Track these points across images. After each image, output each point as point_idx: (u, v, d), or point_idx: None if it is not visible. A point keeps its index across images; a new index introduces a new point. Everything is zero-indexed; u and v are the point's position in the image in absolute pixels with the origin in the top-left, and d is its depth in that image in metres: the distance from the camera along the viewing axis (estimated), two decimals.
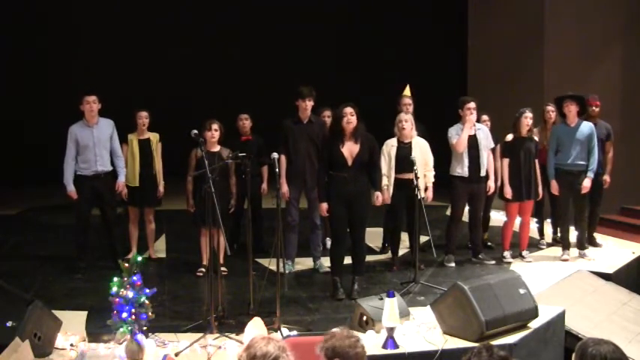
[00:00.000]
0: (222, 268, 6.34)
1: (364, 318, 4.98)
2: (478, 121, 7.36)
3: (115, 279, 4.54)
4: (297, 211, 6.93)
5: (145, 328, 4.52)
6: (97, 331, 4.94)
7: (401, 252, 7.28)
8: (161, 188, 7.28)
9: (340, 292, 6.06)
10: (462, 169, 7.12)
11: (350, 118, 5.93)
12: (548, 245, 8.09)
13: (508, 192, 7.26)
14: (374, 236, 7.91)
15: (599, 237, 8.16)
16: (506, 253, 7.43)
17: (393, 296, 4.69)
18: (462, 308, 4.79)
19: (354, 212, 6.02)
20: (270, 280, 5.57)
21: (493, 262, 7.32)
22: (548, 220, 8.33)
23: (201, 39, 13.00)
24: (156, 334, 4.85)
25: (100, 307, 5.23)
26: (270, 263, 5.88)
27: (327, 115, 7.25)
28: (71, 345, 4.66)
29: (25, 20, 12.42)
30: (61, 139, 6.84)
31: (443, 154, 7.30)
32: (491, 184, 7.28)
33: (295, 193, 6.89)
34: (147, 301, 4.52)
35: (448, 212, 7.90)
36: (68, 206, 7.13)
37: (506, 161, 7.29)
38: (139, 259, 4.63)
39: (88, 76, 11.32)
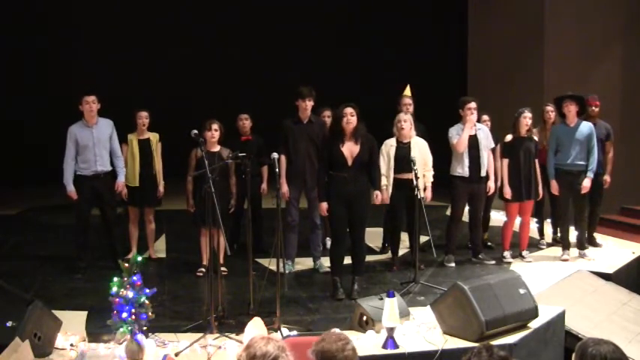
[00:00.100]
0: (222, 268, 6.34)
1: (364, 318, 4.98)
2: (478, 121, 7.36)
3: (115, 279, 4.54)
4: (297, 211, 6.93)
5: (145, 328, 4.52)
6: (97, 331, 4.94)
7: (401, 252, 7.28)
8: (161, 188, 7.28)
9: (340, 292, 6.06)
10: (462, 169, 7.12)
11: (350, 118, 5.93)
12: (548, 245, 8.09)
13: (507, 192, 7.26)
14: (374, 236, 7.91)
15: (599, 237, 8.16)
16: (506, 253, 7.43)
17: (393, 296, 4.69)
18: (462, 308, 4.79)
19: (354, 212, 6.02)
20: (270, 280, 5.57)
21: (493, 262, 7.32)
22: (548, 220, 8.32)
23: (201, 39, 13.00)
24: (156, 334, 4.84)
25: (100, 307, 5.23)
26: (270, 263, 5.88)
27: (327, 115, 7.25)
28: (71, 345, 4.66)
29: (25, 20, 12.42)
30: (61, 139, 6.84)
31: (443, 154, 7.30)
32: (491, 184, 7.28)
33: (295, 193, 6.89)
34: (147, 301, 4.52)
35: (448, 212, 7.90)
36: (68, 206, 7.13)
37: (505, 161, 7.29)
38: (139, 259, 4.63)
39: (88, 76, 11.32)
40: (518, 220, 7.53)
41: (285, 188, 6.72)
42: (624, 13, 10.07)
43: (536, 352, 5.02)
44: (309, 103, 6.83)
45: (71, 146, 6.74)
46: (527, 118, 7.21)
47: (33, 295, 5.08)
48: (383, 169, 6.68)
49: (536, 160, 7.34)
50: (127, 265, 4.56)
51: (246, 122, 7.62)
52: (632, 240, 8.31)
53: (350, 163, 5.96)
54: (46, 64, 12.41)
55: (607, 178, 7.90)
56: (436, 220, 8.67)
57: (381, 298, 4.85)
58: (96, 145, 6.79)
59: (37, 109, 12.17)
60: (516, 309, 4.95)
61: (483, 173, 7.17)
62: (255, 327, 4.68)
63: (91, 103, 6.75)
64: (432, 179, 6.94)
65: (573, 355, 2.90)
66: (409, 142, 6.90)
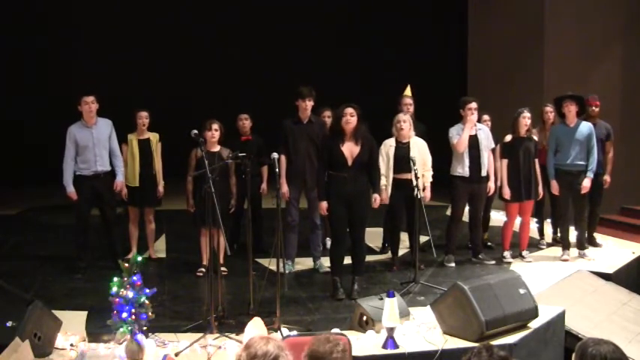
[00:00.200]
0: (222, 268, 6.34)
1: (364, 318, 4.98)
2: (479, 121, 7.36)
3: (115, 279, 4.54)
4: (297, 211, 6.93)
5: (145, 328, 4.52)
6: (97, 331, 4.93)
7: (401, 252, 7.28)
8: (161, 188, 7.27)
9: (340, 292, 6.06)
10: (462, 169, 7.12)
11: (349, 118, 5.93)
12: (548, 245, 8.09)
13: (506, 193, 7.26)
14: (374, 236, 7.91)
15: (599, 237, 8.16)
16: (506, 253, 7.43)
17: (393, 296, 4.69)
18: (462, 308, 4.79)
19: (354, 212, 6.02)
20: (270, 280, 5.57)
21: (493, 262, 7.32)
22: (548, 220, 8.33)
23: (201, 39, 12.99)
24: (156, 334, 4.84)
25: (100, 307, 5.21)
26: (270, 263, 5.88)
27: (327, 116, 7.25)
28: (71, 345, 4.66)
29: (25, 20, 12.42)
30: (61, 139, 6.83)
31: (443, 154, 7.30)
32: (491, 184, 7.28)
33: (295, 193, 6.89)
34: (147, 301, 4.52)
35: (448, 212, 7.90)
36: (68, 206, 7.13)
37: (505, 162, 7.28)
38: (139, 259, 4.62)
39: (88, 76, 11.33)
40: (518, 220, 7.53)
41: (285, 188, 6.72)
42: (624, 13, 10.07)
43: (536, 352, 5.02)
44: (309, 103, 6.83)
45: (71, 147, 6.74)
46: (526, 119, 7.21)
47: (33, 295, 5.08)
48: (382, 170, 6.68)
49: (536, 160, 7.33)
50: (127, 265, 4.56)
51: (246, 122, 7.62)
52: (632, 240, 8.32)
53: (350, 163, 5.96)
54: (46, 64, 12.41)
55: (607, 178, 7.90)
56: (436, 220, 8.68)
57: (381, 298, 4.85)
58: (96, 145, 6.79)
59: (37, 109, 12.17)
60: (516, 309, 4.95)
61: (484, 173, 7.17)
62: (255, 327, 4.68)
63: (90, 104, 6.75)
64: (431, 179, 6.94)
65: (573, 355, 2.90)
66: (408, 142, 6.90)
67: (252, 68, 12.97)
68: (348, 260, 6.22)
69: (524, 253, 7.46)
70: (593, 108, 7.75)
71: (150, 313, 4.53)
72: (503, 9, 10.94)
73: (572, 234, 7.53)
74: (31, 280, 6.62)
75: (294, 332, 4.98)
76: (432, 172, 6.95)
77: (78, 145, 6.74)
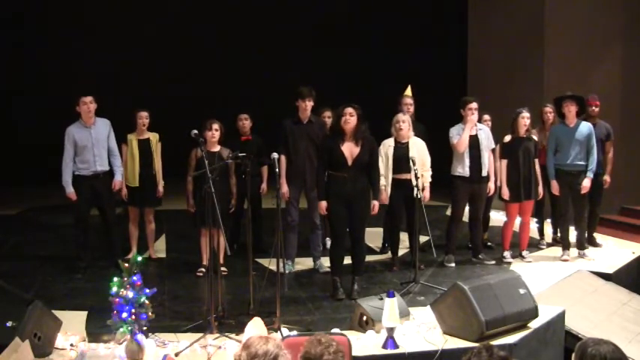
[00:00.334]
0: (222, 268, 6.35)
1: (364, 318, 4.98)
2: (479, 120, 7.35)
3: (115, 279, 4.54)
4: (297, 211, 6.93)
5: (145, 328, 4.52)
6: (97, 331, 4.94)
7: (401, 252, 7.28)
8: (160, 188, 7.27)
9: (340, 292, 6.06)
10: (463, 169, 7.12)
11: (349, 118, 5.93)
12: (548, 245, 8.09)
13: (505, 193, 7.26)
14: (374, 236, 7.91)
15: (599, 237, 8.17)
16: (506, 253, 7.43)
17: (393, 296, 4.69)
18: (462, 308, 4.79)
19: (354, 212, 6.02)
20: (270, 280, 5.57)
21: (493, 262, 7.32)
22: (548, 220, 8.33)
23: (201, 39, 12.99)
24: (156, 334, 4.85)
25: (100, 307, 5.22)
26: (270, 263, 5.88)
27: (328, 116, 7.26)
28: (71, 345, 4.66)
29: (25, 20, 12.42)
30: (61, 139, 6.83)
31: (443, 154, 7.30)
32: (491, 185, 7.28)
33: (295, 193, 6.89)
34: (147, 301, 4.52)
35: (448, 212, 7.90)
36: (68, 206, 7.12)
37: (504, 162, 7.28)
38: (139, 259, 4.63)
39: (88, 76, 11.35)
40: (518, 220, 7.53)
41: (285, 188, 6.72)
42: (624, 13, 10.06)
43: (536, 352, 5.02)
44: (309, 103, 6.83)
45: (69, 147, 6.74)
46: (525, 119, 7.20)
47: (33, 295, 5.09)
48: (381, 170, 6.67)
49: (536, 160, 7.33)
50: (127, 265, 4.56)
51: (246, 122, 7.62)
52: (632, 240, 8.32)
53: (350, 163, 5.95)
54: (46, 64, 12.41)
55: (607, 178, 7.90)
56: (436, 220, 8.68)
57: (381, 298, 4.85)
58: (95, 145, 6.79)
59: (37, 109, 12.17)
60: (516, 309, 4.95)
61: (484, 173, 7.17)
62: (255, 327, 4.68)
63: (88, 104, 6.75)
64: (429, 179, 6.94)
65: (573, 355, 2.90)
66: (407, 143, 6.90)
67: (252, 68, 12.96)
68: (348, 260, 6.22)
69: (524, 253, 7.46)
70: (593, 108, 7.75)
71: (150, 313, 4.53)
72: (503, 9, 10.93)
73: (572, 234, 7.53)
74: (31, 280, 6.62)
75: (294, 332, 4.98)
76: (430, 172, 6.96)
77: (77, 145, 6.74)
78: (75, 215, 6.93)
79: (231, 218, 7.14)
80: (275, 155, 5.71)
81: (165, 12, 13.00)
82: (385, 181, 6.79)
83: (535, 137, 7.46)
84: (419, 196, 6.40)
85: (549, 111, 7.92)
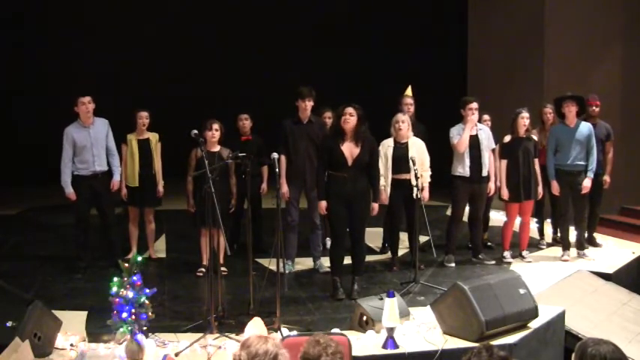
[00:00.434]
0: (222, 268, 6.35)
1: (364, 318, 4.98)
2: (479, 121, 7.35)
3: (115, 279, 4.54)
4: (297, 211, 6.93)
5: (145, 328, 4.52)
6: (97, 331, 4.94)
7: (401, 252, 7.28)
8: (160, 188, 7.27)
9: (340, 292, 6.06)
10: (463, 169, 7.12)
11: (348, 117, 5.93)
12: (548, 245, 8.09)
13: (505, 193, 7.26)
14: (374, 236, 7.91)
15: (599, 237, 8.17)
16: (506, 253, 7.43)
17: (393, 296, 4.69)
18: (462, 308, 4.79)
19: (354, 212, 6.02)
20: (270, 280, 5.57)
21: (493, 262, 7.32)
22: (548, 220, 8.33)
23: (201, 39, 12.99)
24: (156, 334, 4.85)
25: (100, 307, 5.22)
26: (270, 263, 5.88)
27: (328, 117, 7.26)
28: (71, 345, 4.66)
29: (25, 20, 12.42)
30: (61, 139, 6.82)
31: (443, 154, 7.29)
32: (491, 185, 7.28)
33: (295, 193, 6.89)
34: (147, 301, 4.52)
35: (448, 212, 7.91)
36: (68, 206, 7.13)
37: (504, 162, 7.28)
38: (139, 259, 4.63)
39: (88, 76, 11.35)
40: (518, 220, 7.53)
41: (285, 188, 6.72)
42: (624, 13, 10.06)
43: (536, 352, 5.02)
44: (309, 104, 6.83)
45: (68, 148, 6.74)
46: (524, 119, 7.20)
47: (33, 295, 5.08)
48: (381, 170, 6.68)
49: (536, 160, 7.33)
50: (127, 265, 4.56)
51: (246, 122, 7.62)
52: (632, 240, 8.32)
53: (350, 163, 5.95)
54: (46, 64, 12.41)
55: (607, 178, 7.90)
56: (436, 220, 8.68)
57: (381, 298, 4.85)
58: (94, 145, 6.79)
59: (37, 109, 12.17)
60: (516, 309, 4.95)
61: (484, 173, 7.17)
62: (255, 327, 4.68)
63: (87, 104, 6.75)
64: (429, 179, 6.94)
65: (573, 355, 2.90)
66: (407, 143, 6.90)
67: (252, 68, 12.96)
68: (348, 260, 6.22)
69: (524, 253, 7.46)
70: (594, 108, 7.75)
71: (150, 313, 4.53)
72: (503, 9, 10.94)
73: (572, 234, 7.53)
74: (31, 280, 6.62)
75: (294, 332, 4.98)
76: (430, 172, 6.96)
77: (76, 145, 6.74)
78: (75, 215, 6.93)
79: (231, 218, 7.14)
80: (275, 155, 5.71)
81: (165, 12, 13.00)
82: (385, 182, 6.79)
83: (535, 137, 7.46)
84: (418, 196, 6.40)
85: (549, 111, 7.92)
